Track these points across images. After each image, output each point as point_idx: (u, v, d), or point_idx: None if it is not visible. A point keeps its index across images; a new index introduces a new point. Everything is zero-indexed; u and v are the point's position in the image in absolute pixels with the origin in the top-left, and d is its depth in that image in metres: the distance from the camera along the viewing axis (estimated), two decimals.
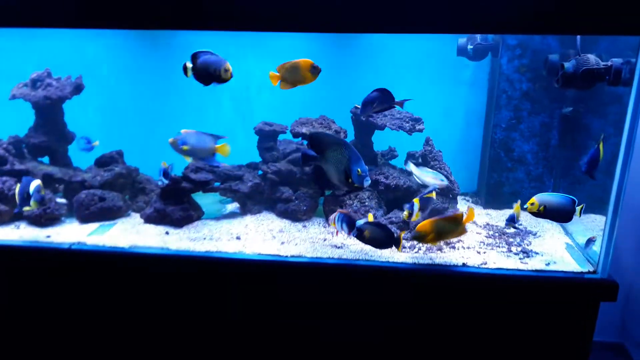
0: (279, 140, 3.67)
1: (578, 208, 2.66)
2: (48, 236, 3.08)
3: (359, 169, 2.53)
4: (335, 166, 2.62)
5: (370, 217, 2.81)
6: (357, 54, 3.88)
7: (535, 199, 2.70)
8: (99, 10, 2.40)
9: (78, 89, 3.48)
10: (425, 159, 3.45)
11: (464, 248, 2.98)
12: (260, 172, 3.55)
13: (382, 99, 2.72)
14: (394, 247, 2.73)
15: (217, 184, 3.47)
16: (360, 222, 2.69)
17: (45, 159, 3.69)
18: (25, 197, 2.92)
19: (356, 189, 2.72)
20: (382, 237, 2.68)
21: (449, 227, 2.64)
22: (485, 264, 2.78)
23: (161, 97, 4.11)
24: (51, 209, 3.26)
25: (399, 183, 3.27)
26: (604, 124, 3.21)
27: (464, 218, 2.65)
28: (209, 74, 2.48)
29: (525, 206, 2.71)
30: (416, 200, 2.85)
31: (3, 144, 3.43)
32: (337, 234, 3.01)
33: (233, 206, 3.69)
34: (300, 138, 3.39)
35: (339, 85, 3.71)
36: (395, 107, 2.80)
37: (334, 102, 3.59)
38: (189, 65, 2.49)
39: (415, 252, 2.91)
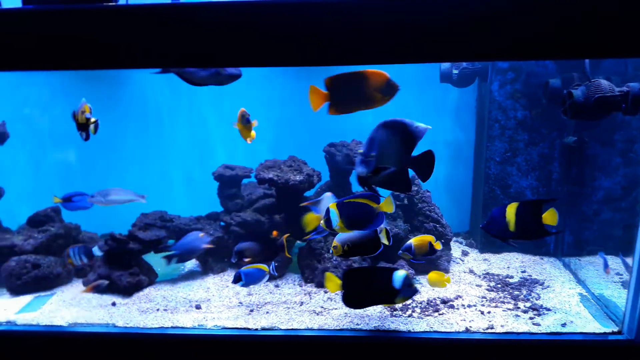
0: (243, 184, 3.22)
1: (383, 233, 2.31)
2: None
3: (361, 150, 1.96)
4: None
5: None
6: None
7: (335, 241, 2.34)
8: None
9: (1, 138, 2.97)
10: (411, 201, 3.03)
11: (464, 307, 2.56)
12: (222, 224, 3.09)
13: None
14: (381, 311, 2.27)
15: (171, 241, 3.00)
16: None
17: None
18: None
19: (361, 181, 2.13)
20: None
21: None
22: (492, 327, 2.36)
23: (112, 139, 3.64)
24: None
25: None
26: (611, 153, 2.86)
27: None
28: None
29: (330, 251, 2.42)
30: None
31: None
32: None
33: (193, 263, 3.20)
34: (267, 184, 2.94)
35: (309, 121, 3.31)
36: None
37: (304, 140, 3.18)
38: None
39: (409, 317, 2.47)
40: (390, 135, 1.94)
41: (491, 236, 2.26)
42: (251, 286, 2.83)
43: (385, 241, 2.33)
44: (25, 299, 2.77)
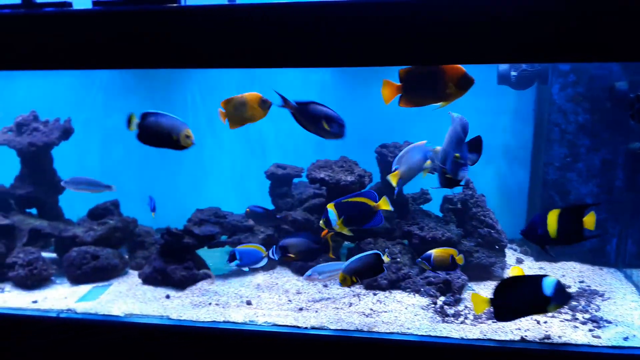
0: (294, 183, 3.24)
1: (384, 257, 2.34)
2: (34, 301, 2.72)
3: (457, 154, 1.90)
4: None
5: None
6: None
7: (342, 274, 2.36)
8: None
9: (67, 133, 3.11)
10: (465, 205, 2.97)
11: None
12: None
13: None
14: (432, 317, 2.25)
15: (223, 237, 3.05)
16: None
17: (34, 211, 3.32)
18: None
19: (451, 183, 2.07)
20: None
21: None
22: (549, 338, 2.28)
23: None
24: (38, 269, 2.88)
25: (436, 235, 2.80)
26: None
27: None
28: (161, 137, 2.16)
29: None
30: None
31: None
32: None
33: None
34: (318, 184, 2.95)
35: (360, 122, 3.29)
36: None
37: (355, 140, 3.16)
38: (135, 119, 2.13)
39: (461, 323, 2.42)
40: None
41: (530, 242, 2.19)
42: (301, 284, 2.86)
43: (386, 260, 2.35)
44: (84, 288, 2.88)
